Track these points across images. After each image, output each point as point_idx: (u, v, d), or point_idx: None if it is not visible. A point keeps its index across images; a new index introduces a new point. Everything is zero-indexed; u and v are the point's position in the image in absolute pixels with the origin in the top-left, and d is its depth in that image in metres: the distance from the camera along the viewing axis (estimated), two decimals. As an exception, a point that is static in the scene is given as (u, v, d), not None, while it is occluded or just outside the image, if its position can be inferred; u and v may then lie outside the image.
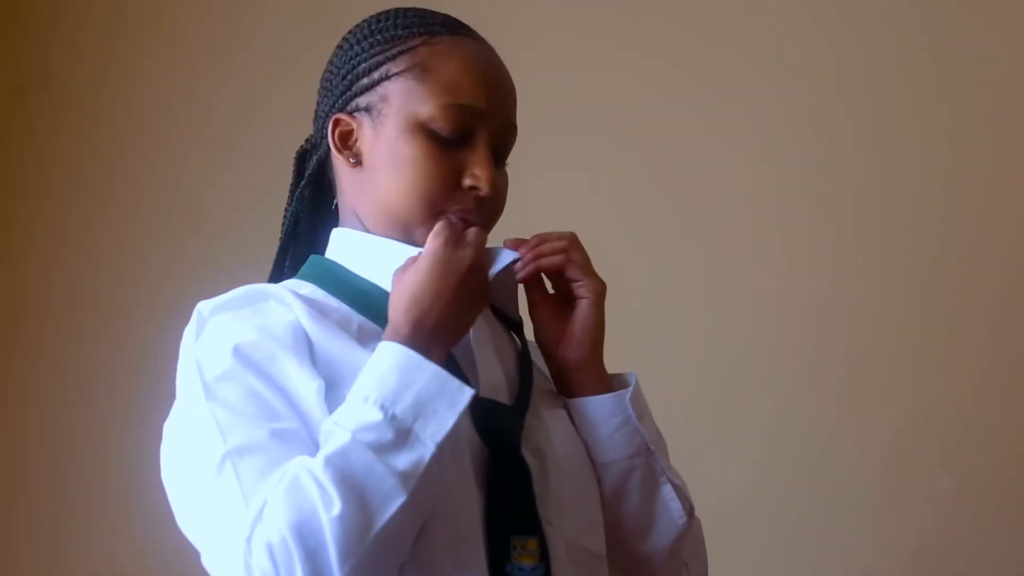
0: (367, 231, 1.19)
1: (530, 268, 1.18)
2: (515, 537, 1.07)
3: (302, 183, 1.25)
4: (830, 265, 2.21)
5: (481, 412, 1.09)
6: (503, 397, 1.14)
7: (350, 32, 1.24)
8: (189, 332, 1.11)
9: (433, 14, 1.22)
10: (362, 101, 1.19)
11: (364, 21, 1.23)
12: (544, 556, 1.08)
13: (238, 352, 1.07)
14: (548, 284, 1.23)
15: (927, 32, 2.24)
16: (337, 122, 1.20)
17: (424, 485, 1.01)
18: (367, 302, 1.14)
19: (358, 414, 1.02)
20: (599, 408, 1.19)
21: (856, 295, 2.20)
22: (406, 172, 1.15)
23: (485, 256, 1.14)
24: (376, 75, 1.18)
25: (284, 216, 1.27)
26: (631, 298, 2.21)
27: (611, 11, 2.33)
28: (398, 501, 0.99)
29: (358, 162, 1.18)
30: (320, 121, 1.24)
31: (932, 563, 2.11)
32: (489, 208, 1.17)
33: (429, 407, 1.02)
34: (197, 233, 2.38)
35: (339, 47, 1.24)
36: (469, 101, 1.16)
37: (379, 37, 1.21)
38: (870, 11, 2.25)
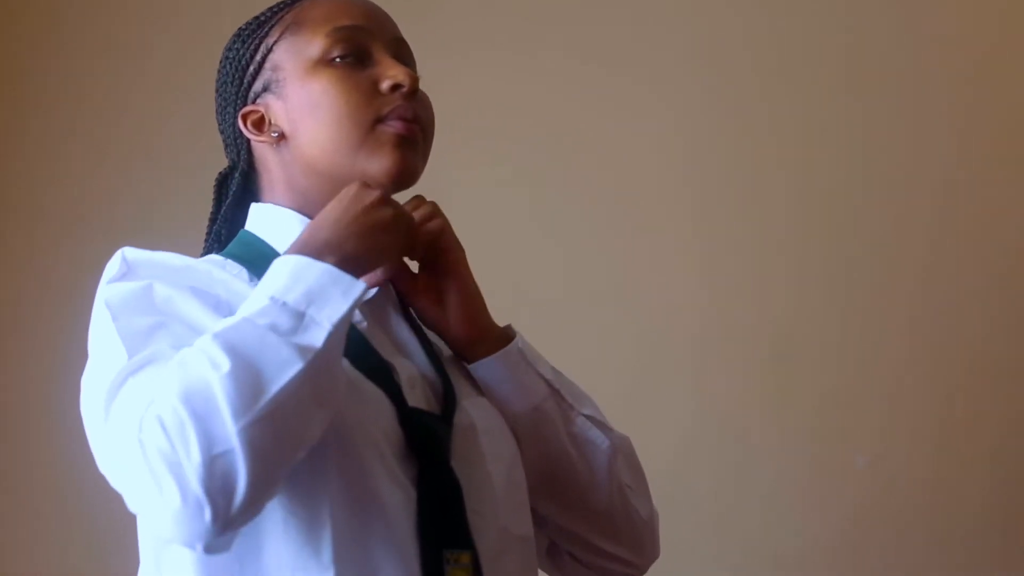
0: (301, 210, 1.18)
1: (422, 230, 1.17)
2: (448, 551, 1.07)
3: (225, 204, 1.24)
4: (747, 254, 2.24)
5: (412, 424, 1.09)
6: (419, 387, 1.15)
7: (223, 52, 1.25)
8: (108, 271, 1.10)
9: None
10: (258, 86, 1.20)
11: (231, 37, 1.25)
12: (476, 568, 1.08)
13: (152, 290, 1.06)
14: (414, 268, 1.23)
15: (844, 25, 2.27)
16: (245, 116, 1.20)
17: (324, 369, 0.99)
18: None
19: (249, 307, 1.00)
20: (502, 364, 1.20)
21: (773, 286, 2.23)
22: (325, 103, 1.15)
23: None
24: (258, 56, 1.20)
25: (207, 237, 1.26)
26: (550, 293, 2.25)
27: (528, 16, 2.34)
28: (294, 368, 0.95)
29: (281, 135, 1.18)
30: (230, 140, 1.24)
31: (856, 540, 2.15)
32: (422, 109, 1.18)
33: (322, 295, 1.00)
34: (106, 238, 2.32)
35: (219, 69, 1.25)
36: (350, 21, 1.18)
37: (247, 33, 1.23)
38: (786, 6, 2.29)
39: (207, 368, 0.95)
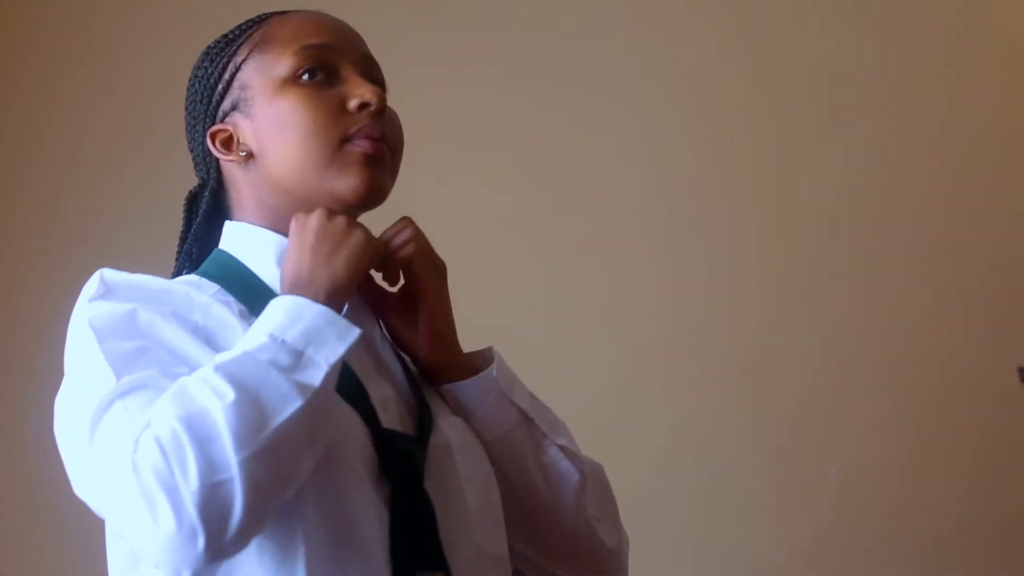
0: (273, 228, 1.17)
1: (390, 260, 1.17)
2: (421, 573, 1.07)
3: (195, 223, 1.23)
4: (721, 270, 2.26)
5: (386, 446, 1.09)
6: (394, 408, 1.15)
7: (192, 70, 1.24)
8: (86, 292, 1.09)
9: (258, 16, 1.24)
10: (226, 104, 1.19)
11: (200, 55, 1.24)
12: None
13: (135, 316, 1.06)
14: (388, 285, 1.22)
15: (819, 38, 2.30)
16: (214, 135, 1.19)
17: (320, 407, 1.00)
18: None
19: (248, 342, 1.01)
20: (473, 391, 1.20)
21: (747, 301, 2.25)
22: (292, 122, 1.14)
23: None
24: (227, 75, 1.19)
25: (178, 255, 1.25)
26: (524, 311, 2.25)
27: (493, 29, 2.35)
28: (295, 404, 0.96)
29: (249, 154, 1.17)
30: (199, 159, 1.23)
31: (830, 549, 2.17)
32: (390, 127, 1.18)
33: (319, 336, 1.01)
34: (79, 254, 2.32)
35: (188, 88, 1.24)
36: (318, 40, 1.17)
37: (215, 52, 1.22)
38: (752, 13, 2.31)
39: (210, 396, 0.95)
